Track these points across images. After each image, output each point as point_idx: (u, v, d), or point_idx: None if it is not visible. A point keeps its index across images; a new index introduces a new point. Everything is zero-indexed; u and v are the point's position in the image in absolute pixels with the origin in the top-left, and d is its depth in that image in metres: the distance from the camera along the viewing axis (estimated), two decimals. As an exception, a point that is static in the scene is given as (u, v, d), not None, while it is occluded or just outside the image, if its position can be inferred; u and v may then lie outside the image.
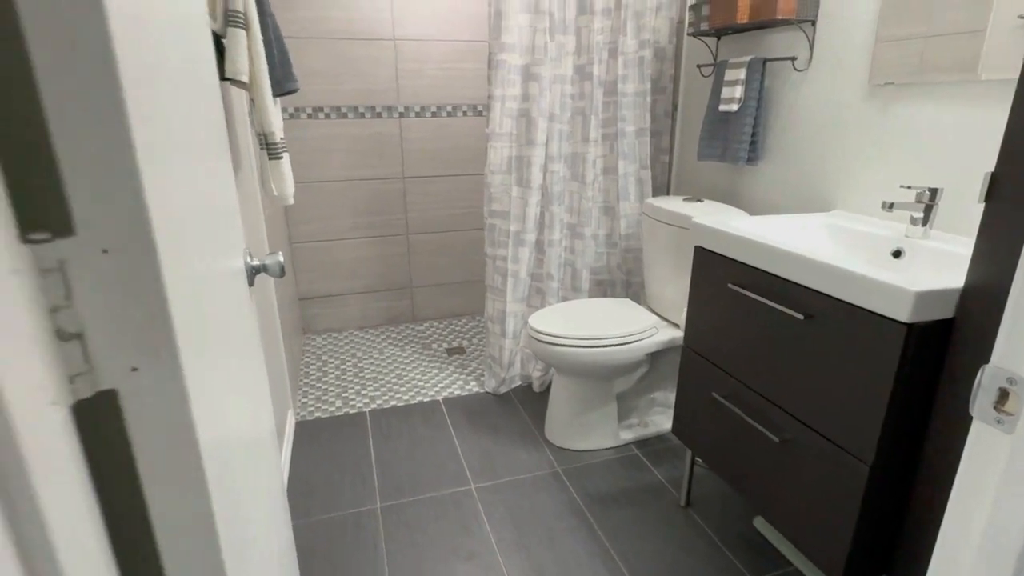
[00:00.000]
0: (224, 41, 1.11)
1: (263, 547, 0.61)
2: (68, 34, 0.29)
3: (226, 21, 1.07)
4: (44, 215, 0.28)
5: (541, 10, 1.95)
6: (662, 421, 2.05)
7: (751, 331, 1.25)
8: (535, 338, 1.83)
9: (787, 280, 1.14)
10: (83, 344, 0.30)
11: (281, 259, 0.88)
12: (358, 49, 2.54)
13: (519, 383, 2.38)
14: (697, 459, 1.83)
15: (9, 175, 0.27)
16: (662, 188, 2.32)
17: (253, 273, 0.88)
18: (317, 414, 2.17)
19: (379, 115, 2.65)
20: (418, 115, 2.70)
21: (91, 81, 0.29)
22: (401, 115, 2.68)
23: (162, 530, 0.34)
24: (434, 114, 2.72)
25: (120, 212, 0.29)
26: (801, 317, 1.10)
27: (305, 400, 2.27)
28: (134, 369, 0.32)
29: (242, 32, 1.06)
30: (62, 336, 0.29)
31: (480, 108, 2.77)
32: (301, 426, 2.09)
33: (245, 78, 1.09)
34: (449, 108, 2.73)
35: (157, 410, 0.32)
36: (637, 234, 2.24)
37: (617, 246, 2.28)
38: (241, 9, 1.05)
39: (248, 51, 1.10)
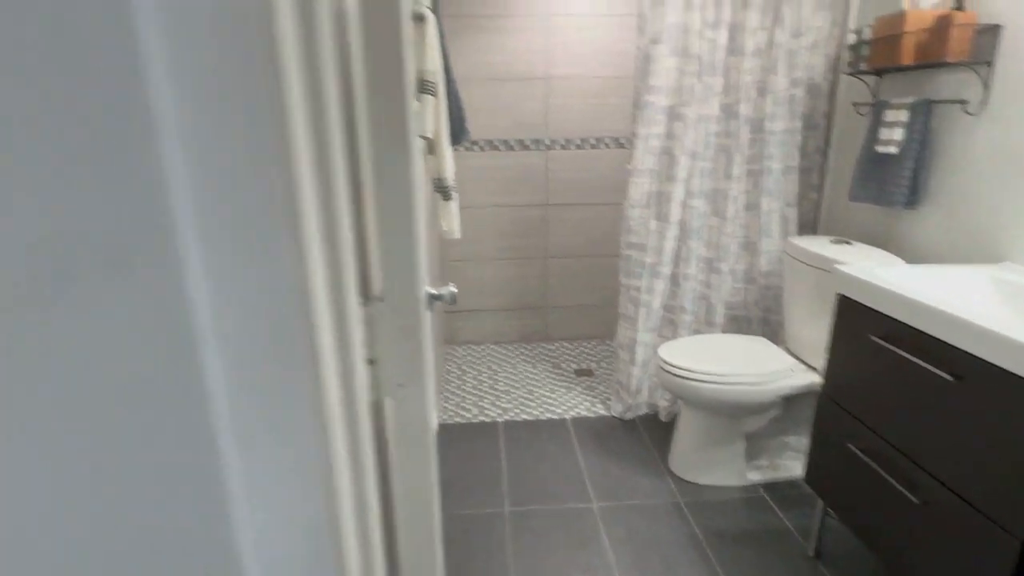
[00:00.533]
0: (415, 103, 1.35)
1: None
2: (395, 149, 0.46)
3: (420, 88, 1.31)
4: (368, 290, 0.45)
5: (690, 54, 2.03)
6: (793, 466, 1.99)
7: (893, 385, 1.23)
8: (664, 369, 1.89)
9: (935, 338, 1.11)
10: (376, 368, 0.47)
11: (455, 290, 1.06)
12: (512, 88, 2.78)
13: (645, 411, 2.43)
14: (829, 510, 1.76)
15: (358, 268, 0.44)
16: (808, 226, 2.26)
17: (431, 300, 1.08)
18: (456, 419, 2.40)
19: (527, 147, 2.87)
20: (563, 147, 2.88)
21: (401, 202, 0.46)
22: (547, 147, 2.87)
23: (401, 486, 0.51)
24: (578, 147, 2.88)
25: (405, 288, 0.46)
26: (950, 378, 1.07)
27: (446, 405, 2.52)
28: (400, 385, 0.48)
29: (431, 98, 1.29)
30: (369, 362, 0.46)
31: (622, 141, 2.88)
32: (442, 428, 2.33)
33: (431, 135, 1.31)
34: (593, 141, 2.88)
35: (412, 412, 0.49)
36: (778, 271, 2.20)
37: (756, 282, 2.26)
38: (433, 80, 1.27)
39: (434, 112, 1.33)
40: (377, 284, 0.46)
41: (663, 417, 2.37)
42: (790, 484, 1.96)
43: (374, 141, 0.42)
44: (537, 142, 2.86)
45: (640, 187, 2.18)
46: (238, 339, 0.34)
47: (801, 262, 1.88)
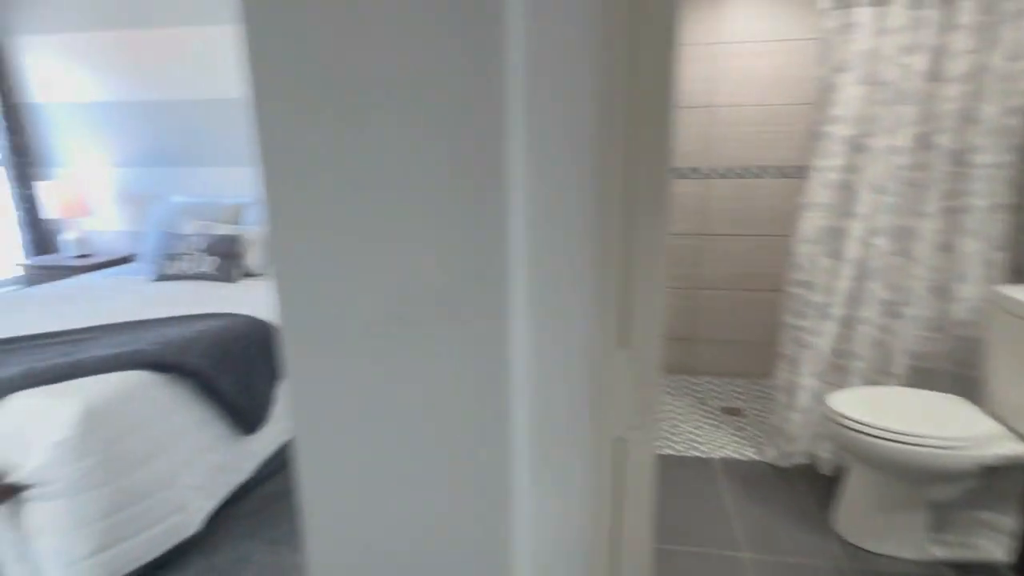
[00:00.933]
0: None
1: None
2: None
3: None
4: (623, 337, 0.50)
5: (880, 81, 1.88)
6: (991, 548, 1.73)
7: None
8: (835, 420, 1.75)
9: None
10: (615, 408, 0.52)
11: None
12: (673, 117, 2.76)
13: (803, 460, 2.25)
14: (1042, 608, 1.51)
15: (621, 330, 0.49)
16: (1021, 272, 1.97)
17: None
18: (598, 445, 2.41)
19: (684, 176, 2.82)
20: (722, 176, 2.80)
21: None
22: (706, 176, 2.81)
23: (630, 510, 0.54)
24: (739, 175, 2.78)
25: (647, 337, 0.50)
26: None
27: (587, 429, 2.53)
28: (633, 427, 0.52)
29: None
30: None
31: (788, 171, 2.73)
32: (584, 452, 2.35)
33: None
34: (755, 170, 2.76)
35: (642, 449, 0.52)
36: (979, 322, 1.94)
37: (948, 332, 2.01)
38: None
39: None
40: (632, 340, 0.51)
41: (825, 470, 2.18)
42: (986, 568, 1.70)
43: (641, 207, 0.47)
44: (695, 170, 2.81)
45: (812, 221, 2.05)
46: (539, 380, 0.39)
47: (1013, 315, 1.65)
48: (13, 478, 1.40)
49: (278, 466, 2.23)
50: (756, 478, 2.17)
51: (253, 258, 2.81)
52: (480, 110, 0.35)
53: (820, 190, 2.02)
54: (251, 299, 2.35)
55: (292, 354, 0.42)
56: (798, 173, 2.70)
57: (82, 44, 3.22)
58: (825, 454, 2.17)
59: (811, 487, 2.11)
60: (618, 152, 0.39)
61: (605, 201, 0.37)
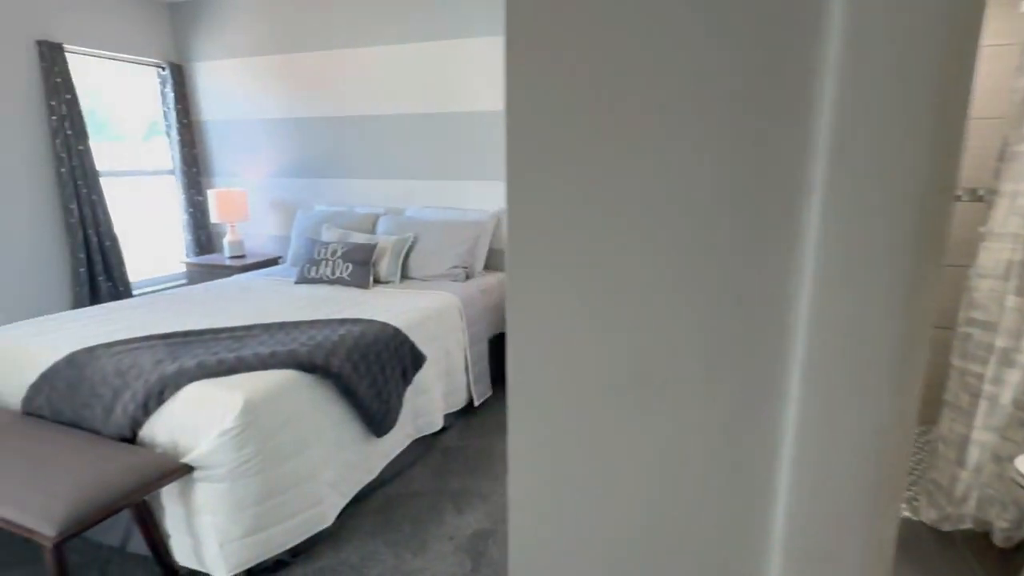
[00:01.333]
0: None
1: None
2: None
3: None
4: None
5: (1097, 94, 1.61)
6: None
7: None
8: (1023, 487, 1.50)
9: None
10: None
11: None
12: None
13: (971, 525, 1.97)
14: None
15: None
16: None
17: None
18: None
19: (830, 196, 2.60)
20: (876, 198, 2.54)
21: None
22: (855, 197, 2.56)
23: None
24: (896, 198, 2.51)
25: (907, 403, 0.44)
26: None
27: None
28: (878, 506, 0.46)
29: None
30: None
31: (960, 193, 2.42)
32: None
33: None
34: (917, 191, 2.48)
35: (884, 530, 0.46)
36: None
37: None
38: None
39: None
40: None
41: (999, 541, 1.88)
42: None
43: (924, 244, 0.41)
44: (843, 191, 2.57)
45: (996, 253, 1.79)
46: (808, 465, 0.35)
47: None
48: (187, 459, 1.56)
49: (400, 469, 2.31)
50: (912, 540, 1.93)
51: (384, 266, 2.96)
52: (774, 153, 0.31)
53: (1009, 218, 1.76)
54: (383, 305, 2.46)
55: (519, 405, 0.41)
56: (975, 196, 2.38)
57: (248, 68, 3.59)
58: (1003, 523, 1.88)
59: (981, 558, 1.83)
60: (942, 195, 0.33)
61: (923, 249, 0.31)
